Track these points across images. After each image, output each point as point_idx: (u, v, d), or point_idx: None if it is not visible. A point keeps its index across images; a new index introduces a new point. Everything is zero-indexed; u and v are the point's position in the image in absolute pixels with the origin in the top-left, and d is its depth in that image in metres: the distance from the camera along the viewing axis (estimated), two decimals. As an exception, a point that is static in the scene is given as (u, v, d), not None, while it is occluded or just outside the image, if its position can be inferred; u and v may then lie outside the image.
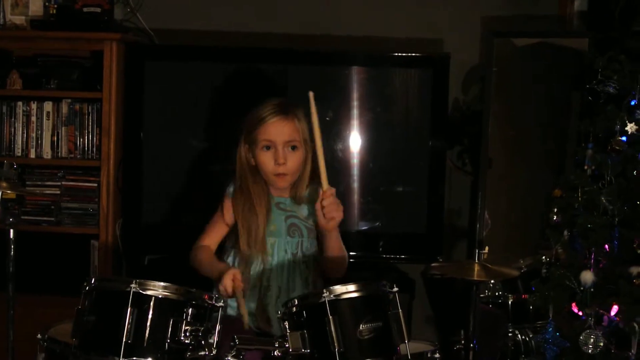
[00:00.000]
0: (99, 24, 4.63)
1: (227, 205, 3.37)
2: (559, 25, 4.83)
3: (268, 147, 3.26)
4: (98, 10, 4.64)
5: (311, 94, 3.16)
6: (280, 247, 3.33)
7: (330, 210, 3.16)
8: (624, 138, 3.67)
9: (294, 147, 3.28)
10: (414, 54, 4.65)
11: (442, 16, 4.94)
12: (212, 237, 3.41)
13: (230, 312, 3.27)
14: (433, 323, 4.92)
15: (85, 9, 4.64)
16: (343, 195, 4.48)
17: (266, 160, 3.27)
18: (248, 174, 3.34)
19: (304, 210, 3.37)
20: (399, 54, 4.66)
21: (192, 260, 3.37)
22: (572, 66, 4.56)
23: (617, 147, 3.67)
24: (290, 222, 3.35)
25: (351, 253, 4.46)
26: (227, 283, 3.07)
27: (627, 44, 3.83)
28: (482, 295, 4.05)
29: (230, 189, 3.38)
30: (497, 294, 4.11)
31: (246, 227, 3.31)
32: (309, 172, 3.34)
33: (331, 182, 4.31)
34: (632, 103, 3.68)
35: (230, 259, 3.38)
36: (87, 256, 4.66)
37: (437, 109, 4.57)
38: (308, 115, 3.22)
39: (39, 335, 2.92)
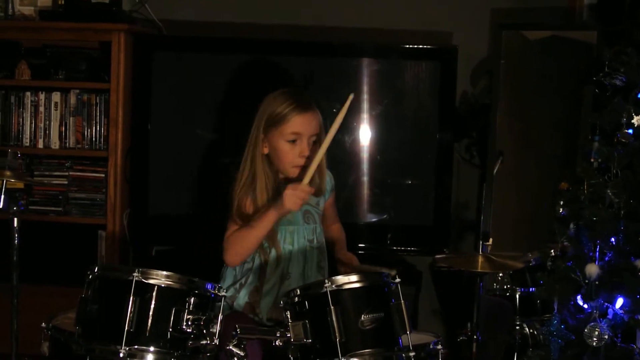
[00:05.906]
0: (108, 14, 4.64)
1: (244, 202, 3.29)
2: (569, 18, 4.81)
3: (294, 140, 3.24)
4: (106, 0, 4.66)
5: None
6: (299, 234, 3.31)
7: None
8: (630, 131, 3.64)
9: (315, 142, 3.27)
10: (422, 46, 4.64)
11: (451, 8, 4.93)
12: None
13: (235, 307, 3.27)
14: (440, 315, 4.92)
15: (93, 0, 4.65)
16: (351, 188, 4.51)
17: (290, 151, 3.24)
18: (264, 164, 3.28)
19: (311, 197, 3.32)
20: (407, 46, 4.65)
21: (233, 242, 3.24)
22: (582, 59, 4.54)
23: (624, 140, 3.64)
24: (304, 209, 3.31)
25: (359, 245, 4.51)
26: (299, 194, 3.11)
27: (636, 37, 3.79)
28: (490, 288, 4.05)
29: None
30: (505, 286, 4.10)
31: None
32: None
33: (340, 174, 4.34)
34: (639, 95, 3.66)
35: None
36: (94, 246, 4.68)
37: (445, 101, 4.57)
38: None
39: (43, 324, 2.94)
